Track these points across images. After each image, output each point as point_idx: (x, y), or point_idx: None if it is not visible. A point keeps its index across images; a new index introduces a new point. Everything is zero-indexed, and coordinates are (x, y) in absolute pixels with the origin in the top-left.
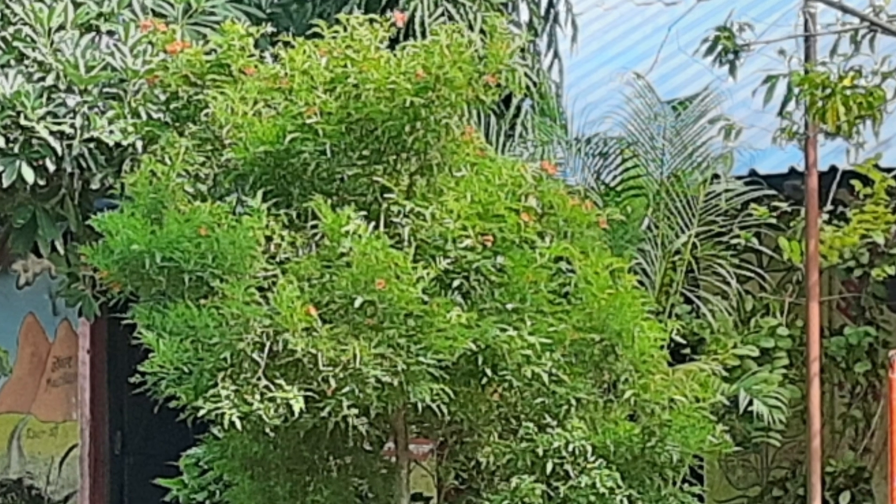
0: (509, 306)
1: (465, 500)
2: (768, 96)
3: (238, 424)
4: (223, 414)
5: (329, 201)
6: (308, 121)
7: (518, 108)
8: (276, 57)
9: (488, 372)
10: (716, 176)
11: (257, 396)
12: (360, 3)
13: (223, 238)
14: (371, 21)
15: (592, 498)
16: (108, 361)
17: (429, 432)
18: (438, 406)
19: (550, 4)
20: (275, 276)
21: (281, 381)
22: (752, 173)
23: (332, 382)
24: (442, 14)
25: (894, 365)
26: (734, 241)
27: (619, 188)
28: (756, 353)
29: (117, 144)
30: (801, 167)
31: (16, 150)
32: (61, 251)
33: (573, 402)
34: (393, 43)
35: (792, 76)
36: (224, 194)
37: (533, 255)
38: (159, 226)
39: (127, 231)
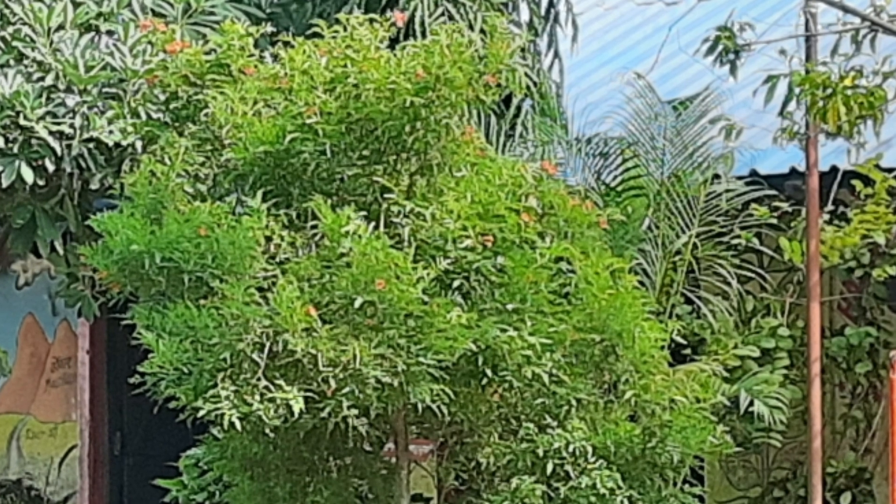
0: (509, 307)
1: (465, 501)
2: (769, 96)
3: (238, 425)
4: (223, 414)
5: (329, 201)
6: (308, 121)
7: (518, 108)
8: (275, 57)
9: (488, 372)
10: (716, 176)
11: (257, 397)
12: (360, 3)
13: (223, 238)
14: (371, 21)
15: (593, 499)
16: (107, 362)
17: (429, 433)
18: (438, 407)
19: (551, 4)
20: (274, 276)
21: (281, 382)
22: (753, 173)
23: (332, 383)
24: (442, 14)
25: (895, 365)
26: (735, 241)
27: (619, 188)
28: (757, 354)
29: (117, 144)
30: (801, 167)
31: (15, 150)
32: (61, 251)
33: (573, 402)
34: (393, 43)
35: (793, 76)
36: (224, 194)
37: (533, 255)
38: (159, 226)
39: (126, 231)
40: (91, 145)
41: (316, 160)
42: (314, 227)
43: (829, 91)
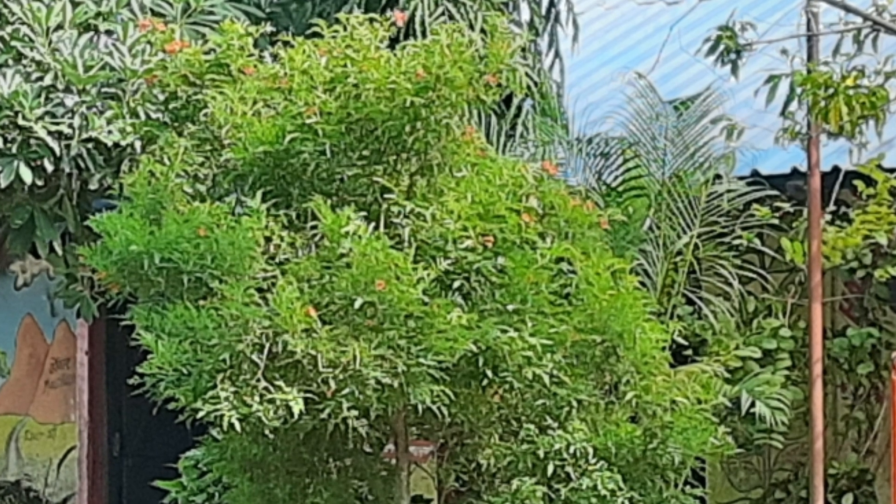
0: (510, 307)
1: (465, 503)
2: (771, 96)
3: (237, 426)
4: (222, 415)
5: (329, 202)
6: (308, 121)
7: (519, 108)
8: (275, 56)
9: (489, 373)
10: (718, 176)
11: (257, 398)
12: (360, 3)
13: (222, 239)
14: (371, 20)
15: (594, 500)
16: (106, 363)
17: (429, 434)
18: (439, 408)
19: (551, 4)
20: (274, 276)
21: (280, 383)
22: (755, 174)
23: (332, 384)
24: (442, 13)
25: None
26: (736, 241)
27: (620, 189)
28: (758, 355)
29: (116, 144)
30: (803, 167)
31: (14, 150)
32: (59, 252)
33: (574, 403)
34: (393, 42)
35: (794, 76)
36: (223, 195)
37: (534, 255)
38: (158, 226)
39: (125, 232)
40: (90, 145)
41: (316, 160)
42: (314, 227)
43: (830, 91)
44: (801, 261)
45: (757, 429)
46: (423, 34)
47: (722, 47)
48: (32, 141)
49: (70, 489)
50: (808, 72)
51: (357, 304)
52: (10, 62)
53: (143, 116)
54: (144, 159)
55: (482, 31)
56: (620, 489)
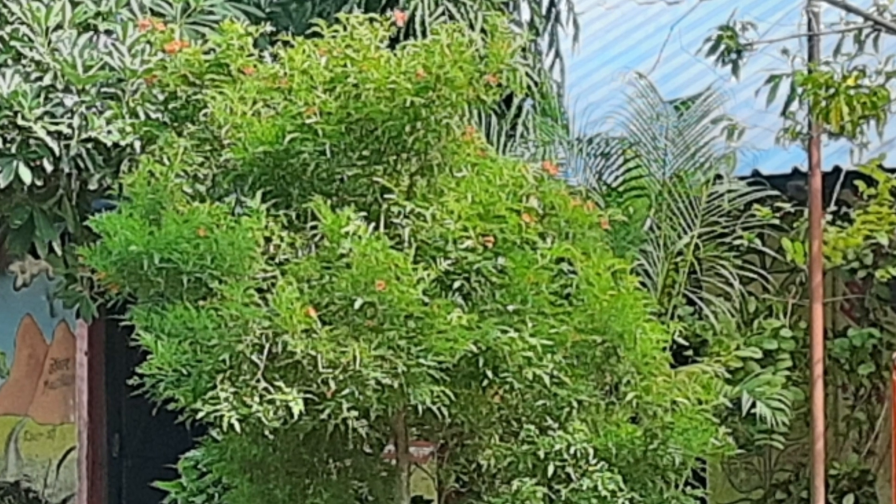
0: (510, 308)
1: (465, 503)
2: (771, 96)
3: (237, 427)
4: (222, 416)
5: (329, 202)
6: (308, 121)
7: (519, 108)
8: (275, 56)
9: (489, 374)
10: (718, 176)
11: (256, 398)
12: (360, 3)
13: (222, 239)
14: (371, 20)
15: (594, 501)
16: (106, 363)
17: (429, 435)
18: (439, 408)
19: (552, 3)
20: (274, 277)
21: (280, 383)
22: (755, 174)
23: (332, 384)
24: (442, 13)
25: None
26: (737, 242)
27: (621, 189)
28: (759, 355)
29: (115, 145)
30: (804, 168)
31: (13, 150)
32: (59, 252)
33: (575, 404)
34: (393, 42)
35: (795, 76)
36: (223, 195)
37: (534, 256)
38: (157, 227)
39: (125, 232)
40: (89, 145)
41: (316, 160)
42: (314, 227)
43: (831, 91)
44: (801, 261)
45: (758, 429)
46: (424, 34)
47: (723, 47)
48: (32, 141)
49: (69, 490)
50: (809, 72)
51: (357, 305)
52: (10, 62)
53: (142, 116)
54: (144, 159)
55: (482, 30)
56: (621, 490)
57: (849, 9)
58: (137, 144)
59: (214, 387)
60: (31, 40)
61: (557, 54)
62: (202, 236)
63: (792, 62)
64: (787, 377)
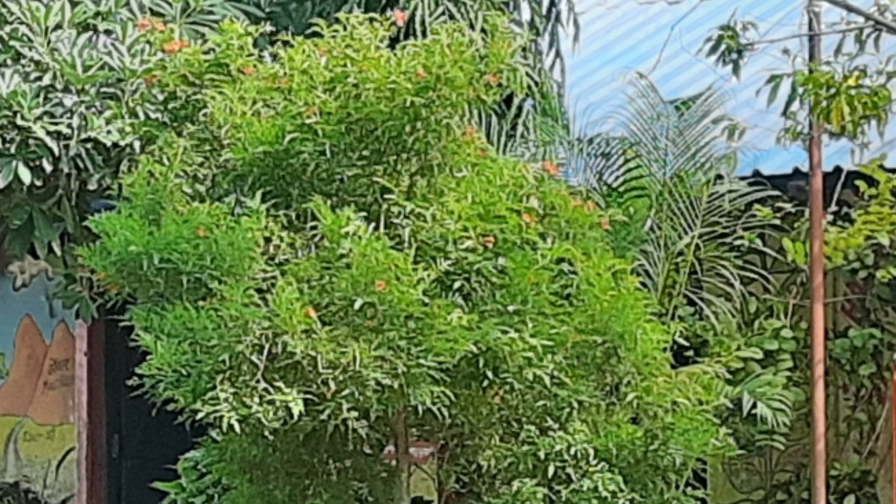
0: (511, 308)
1: None
2: (772, 96)
3: (237, 427)
4: (222, 417)
5: (329, 202)
6: (307, 121)
7: (519, 108)
8: (275, 56)
9: (489, 374)
10: (719, 176)
11: (256, 399)
12: (360, 2)
13: (222, 239)
14: (371, 20)
15: (595, 502)
16: (105, 364)
17: (429, 435)
18: (439, 409)
19: (552, 3)
20: (274, 277)
21: (280, 384)
22: (756, 174)
23: (332, 385)
24: (443, 13)
25: None
26: (738, 242)
27: (621, 189)
28: (760, 356)
29: (115, 145)
30: (805, 168)
31: (12, 150)
32: (58, 252)
33: (575, 404)
34: (393, 42)
35: (796, 76)
36: (223, 195)
37: (534, 256)
38: (157, 227)
39: (124, 232)
40: (89, 145)
41: (315, 160)
42: (314, 227)
43: (832, 91)
44: (802, 261)
45: (758, 430)
46: (424, 34)
47: (723, 47)
48: (31, 141)
49: (69, 491)
50: (810, 71)
51: (357, 305)
52: (9, 62)
53: (142, 116)
54: (143, 159)
55: (483, 30)
56: (621, 490)
57: (850, 8)
58: (137, 144)
59: (214, 387)
60: (30, 40)
61: (558, 54)
62: (202, 236)
63: (793, 62)
64: (787, 378)
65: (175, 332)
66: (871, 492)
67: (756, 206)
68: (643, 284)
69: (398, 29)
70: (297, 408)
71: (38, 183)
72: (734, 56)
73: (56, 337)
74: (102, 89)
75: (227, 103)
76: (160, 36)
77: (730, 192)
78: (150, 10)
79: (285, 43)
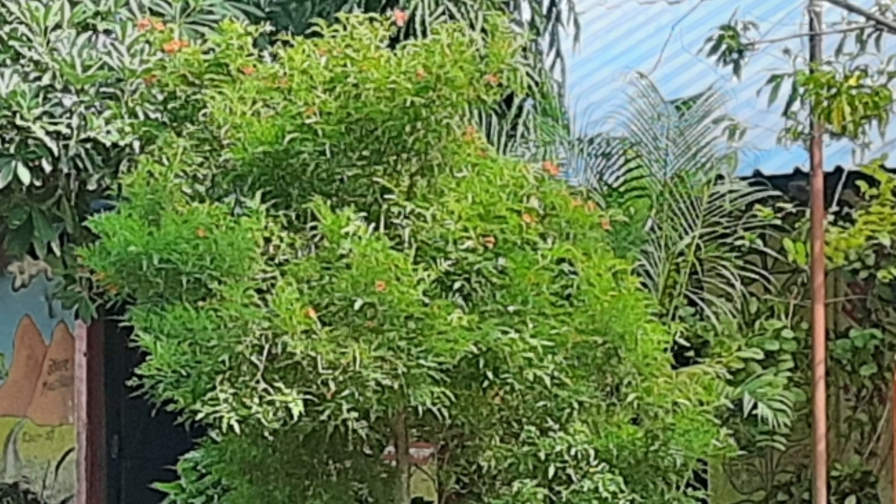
0: (511, 308)
1: None
2: (773, 96)
3: (236, 428)
4: (221, 417)
5: (329, 202)
6: (307, 121)
7: (520, 108)
8: (274, 56)
9: (489, 375)
10: (720, 177)
11: (256, 400)
12: (360, 2)
13: (221, 239)
14: (371, 20)
15: (595, 502)
16: (104, 364)
17: (429, 436)
18: (439, 409)
19: (552, 3)
20: (274, 277)
21: (280, 385)
22: (757, 174)
23: (332, 385)
24: (443, 13)
25: None
26: (738, 242)
27: (621, 189)
28: (760, 356)
29: (114, 145)
30: (806, 168)
31: (11, 150)
32: (58, 253)
33: (575, 405)
34: (393, 42)
35: (797, 75)
36: (222, 195)
37: (535, 256)
38: (157, 227)
39: (124, 232)
40: (88, 145)
41: (315, 160)
42: (314, 228)
43: (833, 91)
44: (803, 262)
45: (759, 430)
46: (424, 34)
47: (724, 47)
48: (30, 141)
49: (68, 491)
50: (811, 71)
51: (357, 306)
52: (8, 62)
53: (141, 116)
54: (143, 159)
55: (483, 30)
56: (622, 491)
57: (851, 8)
58: (136, 144)
59: (214, 388)
60: (29, 40)
61: (558, 54)
62: (201, 237)
63: (794, 62)
64: (788, 378)
65: (175, 333)
66: (872, 493)
67: (757, 206)
68: (644, 285)
69: (398, 29)
70: (297, 408)
71: (38, 183)
72: (735, 56)
73: (55, 337)
74: (102, 89)
75: (227, 103)
76: (160, 36)
77: (730, 192)
78: (150, 9)
79: (285, 43)
